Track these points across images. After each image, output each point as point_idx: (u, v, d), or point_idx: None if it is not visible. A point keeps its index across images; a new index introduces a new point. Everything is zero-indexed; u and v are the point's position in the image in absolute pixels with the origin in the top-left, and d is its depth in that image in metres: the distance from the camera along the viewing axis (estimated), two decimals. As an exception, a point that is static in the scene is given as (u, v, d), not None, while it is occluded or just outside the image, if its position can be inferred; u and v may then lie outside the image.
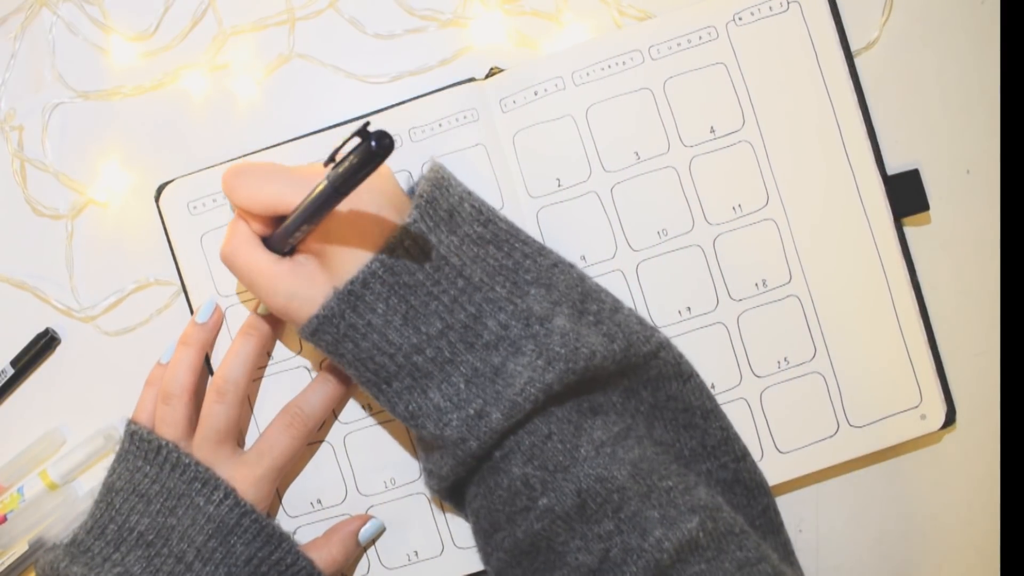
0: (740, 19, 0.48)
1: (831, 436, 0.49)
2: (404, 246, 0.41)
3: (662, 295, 0.49)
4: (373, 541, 0.50)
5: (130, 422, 0.48)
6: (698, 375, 0.47)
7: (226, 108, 0.51)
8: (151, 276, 0.51)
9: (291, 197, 0.41)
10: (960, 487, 0.51)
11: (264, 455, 0.47)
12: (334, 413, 0.50)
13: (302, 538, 0.49)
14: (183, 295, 0.50)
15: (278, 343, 0.50)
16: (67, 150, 0.52)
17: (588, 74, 0.48)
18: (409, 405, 0.42)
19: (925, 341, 0.49)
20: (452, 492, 0.46)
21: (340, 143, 0.37)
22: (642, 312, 0.49)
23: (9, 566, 0.50)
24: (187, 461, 0.45)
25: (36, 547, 0.51)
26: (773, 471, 0.48)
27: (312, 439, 0.49)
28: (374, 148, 0.34)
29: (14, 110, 0.52)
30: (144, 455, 0.46)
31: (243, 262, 0.43)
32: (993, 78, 0.50)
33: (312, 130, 0.49)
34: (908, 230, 0.49)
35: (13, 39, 0.51)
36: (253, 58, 0.51)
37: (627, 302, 0.48)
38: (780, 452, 0.49)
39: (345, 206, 0.41)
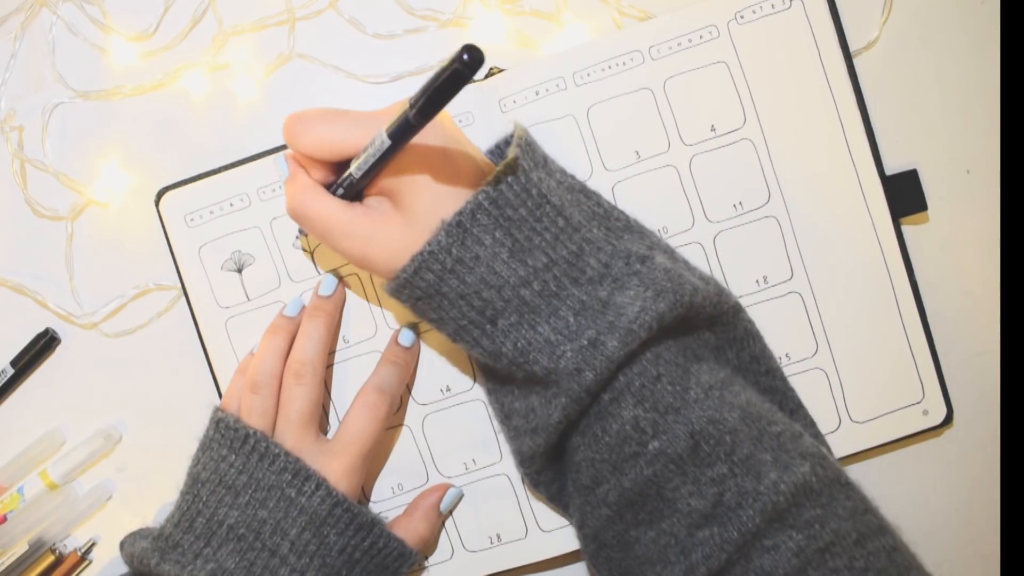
0: (742, 17, 0.48)
1: (833, 431, 0.48)
2: (507, 181, 0.40)
3: (662, 294, 0.49)
4: (453, 509, 0.50)
5: (217, 409, 0.47)
6: None
7: (226, 108, 0.51)
8: (151, 280, 0.51)
9: (359, 138, 0.40)
10: (960, 487, 0.51)
11: (350, 443, 0.46)
12: (408, 389, 0.49)
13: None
14: (183, 298, 0.50)
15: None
16: (67, 150, 0.52)
17: (589, 74, 0.48)
18: (518, 342, 0.41)
19: (925, 340, 0.49)
20: (547, 465, 0.45)
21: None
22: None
23: (9, 566, 0.50)
24: (276, 451, 0.45)
25: (36, 547, 0.51)
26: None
27: (391, 423, 0.49)
28: (466, 60, 0.32)
29: (14, 110, 0.52)
30: (230, 444, 0.45)
31: (314, 212, 0.42)
32: (993, 78, 0.50)
33: (312, 130, 0.49)
34: (908, 230, 0.49)
35: (13, 39, 0.51)
36: (253, 58, 0.51)
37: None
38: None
39: (418, 144, 0.40)
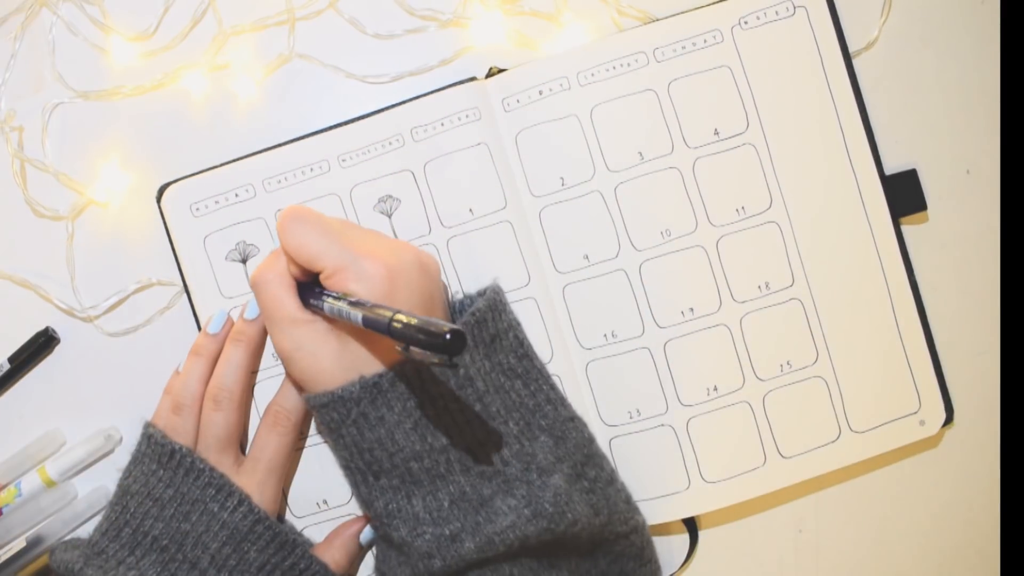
0: (746, 23, 0.48)
1: (833, 441, 0.49)
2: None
3: (665, 296, 0.49)
4: (373, 543, 0.49)
5: (148, 424, 0.47)
6: (658, 562, 0.49)
7: (226, 108, 0.51)
8: (153, 277, 0.51)
9: (330, 262, 0.41)
10: (960, 487, 0.51)
11: (258, 460, 0.47)
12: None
13: (310, 538, 0.49)
14: (185, 295, 0.50)
15: (267, 351, 0.49)
16: (67, 150, 0.51)
17: (593, 75, 0.48)
18: (389, 504, 0.43)
19: (924, 344, 0.49)
20: None
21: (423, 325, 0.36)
22: (645, 313, 0.49)
23: (5, 562, 0.50)
24: (201, 467, 0.45)
25: (33, 544, 0.51)
26: (776, 476, 0.49)
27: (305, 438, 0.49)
28: (447, 339, 0.34)
29: (14, 110, 0.52)
30: (158, 459, 0.46)
31: (269, 297, 0.44)
32: (993, 78, 0.50)
33: (312, 130, 0.49)
34: (907, 230, 0.49)
35: (13, 39, 0.51)
36: (253, 58, 0.51)
37: (630, 302, 0.48)
38: (783, 457, 0.49)
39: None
